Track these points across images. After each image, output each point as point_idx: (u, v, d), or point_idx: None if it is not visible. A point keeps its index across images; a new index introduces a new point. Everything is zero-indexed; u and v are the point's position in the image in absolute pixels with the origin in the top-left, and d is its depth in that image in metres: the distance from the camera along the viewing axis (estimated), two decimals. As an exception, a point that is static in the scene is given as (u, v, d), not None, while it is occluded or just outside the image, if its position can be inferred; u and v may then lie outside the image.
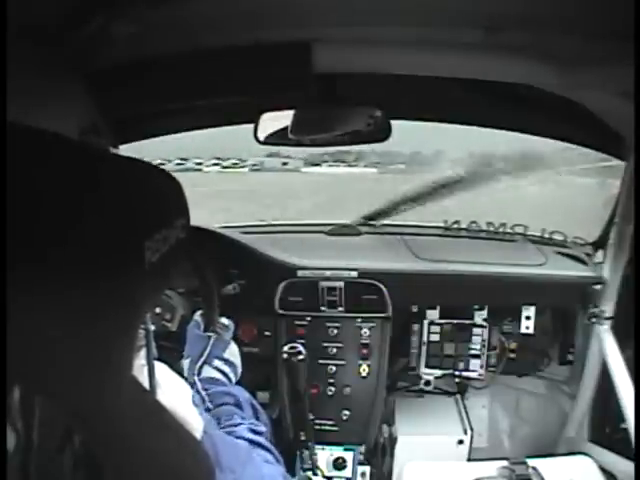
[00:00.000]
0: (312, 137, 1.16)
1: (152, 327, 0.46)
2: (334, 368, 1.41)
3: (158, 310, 1.14)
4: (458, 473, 1.12)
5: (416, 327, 1.52)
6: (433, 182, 1.67)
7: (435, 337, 1.51)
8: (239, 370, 1.06)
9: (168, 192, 0.39)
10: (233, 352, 1.05)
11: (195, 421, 0.53)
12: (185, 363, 0.98)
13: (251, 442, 0.75)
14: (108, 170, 0.33)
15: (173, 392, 0.53)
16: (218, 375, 0.99)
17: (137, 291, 0.34)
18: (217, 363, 1.01)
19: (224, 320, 1.09)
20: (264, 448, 0.77)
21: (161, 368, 0.55)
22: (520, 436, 1.68)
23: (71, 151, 0.32)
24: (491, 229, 1.65)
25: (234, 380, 1.03)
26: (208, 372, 0.98)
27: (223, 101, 1.12)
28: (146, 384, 0.44)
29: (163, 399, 0.43)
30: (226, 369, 1.01)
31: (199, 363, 0.97)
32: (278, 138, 1.14)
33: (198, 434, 0.52)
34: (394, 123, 1.10)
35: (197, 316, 1.08)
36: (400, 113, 1.25)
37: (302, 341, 1.39)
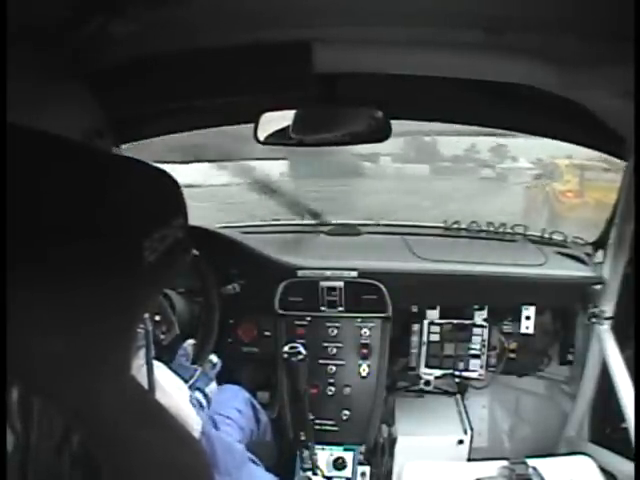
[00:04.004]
0: (313, 137, 1.16)
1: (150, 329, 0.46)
2: (334, 368, 1.41)
3: (158, 318, 1.14)
4: (458, 473, 1.12)
5: (416, 327, 1.52)
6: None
7: (435, 337, 1.51)
8: (211, 405, 1.08)
9: (166, 191, 0.39)
10: (212, 389, 1.07)
11: (193, 421, 0.53)
12: None
13: None
14: (107, 170, 0.33)
15: (171, 392, 0.53)
16: (195, 403, 1.01)
17: (135, 290, 0.34)
18: (197, 395, 1.03)
19: (213, 357, 1.11)
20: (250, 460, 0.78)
21: (159, 368, 0.55)
22: (520, 436, 1.68)
23: (70, 152, 0.32)
24: (491, 229, 1.65)
25: (205, 412, 1.05)
26: None
27: (223, 101, 1.12)
28: (145, 384, 0.44)
29: (161, 399, 0.43)
30: (203, 402, 1.03)
31: None
32: (278, 138, 1.14)
33: (196, 434, 0.52)
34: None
35: (188, 344, 1.09)
36: (400, 113, 1.25)
37: (302, 341, 1.39)
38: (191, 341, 1.11)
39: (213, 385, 1.10)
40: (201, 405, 1.03)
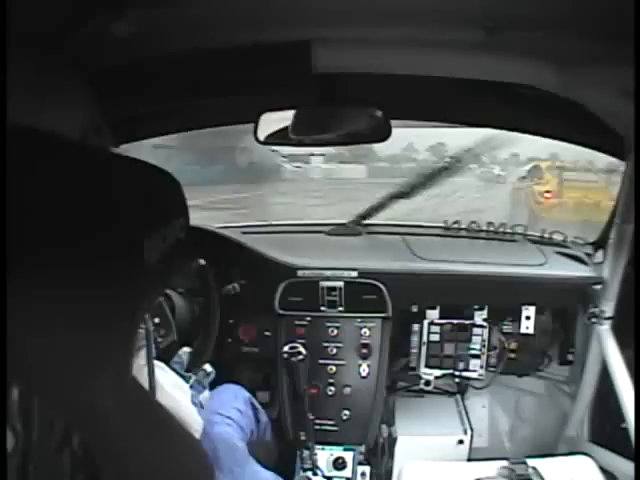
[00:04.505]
0: (312, 137, 1.16)
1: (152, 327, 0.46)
2: (334, 368, 1.41)
3: (157, 320, 1.14)
4: (458, 473, 1.12)
5: (416, 327, 1.52)
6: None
7: (435, 337, 1.51)
8: (203, 411, 1.08)
9: (167, 192, 0.39)
10: (205, 397, 1.07)
11: (194, 421, 0.53)
12: None
13: None
14: (107, 170, 0.33)
15: (172, 392, 0.53)
16: (197, 402, 1.01)
17: (136, 290, 0.34)
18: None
19: (207, 367, 1.11)
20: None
21: (160, 368, 0.55)
22: (520, 436, 1.68)
23: (71, 152, 0.32)
24: (491, 229, 1.65)
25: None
26: None
27: (223, 101, 1.12)
28: (146, 384, 0.44)
29: (162, 399, 0.43)
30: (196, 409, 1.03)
31: None
32: (278, 138, 1.14)
33: (197, 434, 0.52)
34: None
35: (183, 352, 1.08)
36: (400, 113, 1.25)
37: (302, 341, 1.39)
38: (186, 349, 1.11)
39: (206, 393, 1.10)
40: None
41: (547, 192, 6.31)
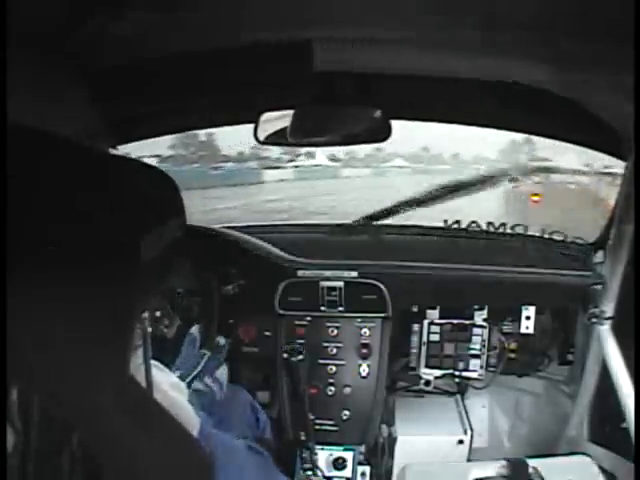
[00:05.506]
0: (311, 137, 1.16)
1: (149, 329, 0.46)
2: (334, 368, 1.41)
3: (158, 314, 1.14)
4: (458, 473, 1.12)
5: (416, 327, 1.52)
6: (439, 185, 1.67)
7: (435, 337, 1.51)
8: (224, 388, 1.07)
9: (163, 191, 0.39)
10: (223, 372, 1.07)
11: (192, 420, 0.53)
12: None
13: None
14: (105, 170, 0.33)
15: (170, 392, 0.53)
16: (205, 389, 1.01)
17: (134, 289, 0.34)
18: (207, 380, 1.03)
19: (220, 339, 1.11)
20: (256, 452, 0.77)
21: (158, 368, 0.55)
22: (520, 436, 1.68)
23: (70, 152, 0.32)
24: (491, 229, 1.65)
25: (218, 397, 1.04)
26: (196, 385, 1.00)
27: (224, 101, 1.12)
28: (143, 383, 0.44)
29: (160, 398, 0.43)
30: (214, 387, 1.03)
31: (189, 378, 0.98)
32: (278, 138, 1.14)
33: (195, 433, 0.52)
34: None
35: (194, 330, 1.09)
36: (400, 113, 1.25)
37: (302, 341, 1.39)
38: (197, 326, 1.11)
39: (223, 368, 1.10)
40: (212, 390, 1.03)
41: (534, 195, 6.31)
